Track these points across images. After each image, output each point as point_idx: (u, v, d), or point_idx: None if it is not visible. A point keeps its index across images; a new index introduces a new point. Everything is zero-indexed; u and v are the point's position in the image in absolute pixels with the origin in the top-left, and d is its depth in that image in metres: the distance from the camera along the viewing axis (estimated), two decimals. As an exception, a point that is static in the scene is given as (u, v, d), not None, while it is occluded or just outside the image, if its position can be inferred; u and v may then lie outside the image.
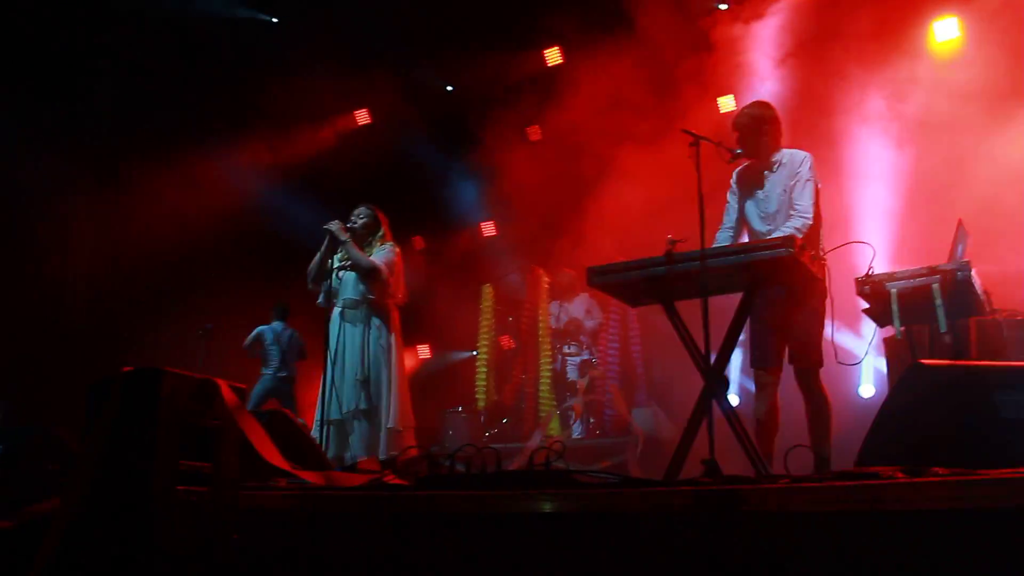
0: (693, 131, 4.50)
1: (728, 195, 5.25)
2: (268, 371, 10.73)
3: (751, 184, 5.12)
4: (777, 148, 5.06)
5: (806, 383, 4.85)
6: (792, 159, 4.98)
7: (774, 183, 4.99)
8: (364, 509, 3.09)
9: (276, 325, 10.95)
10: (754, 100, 5.32)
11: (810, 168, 4.91)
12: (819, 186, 4.97)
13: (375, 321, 6.16)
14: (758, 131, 5.01)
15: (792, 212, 4.85)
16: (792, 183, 4.91)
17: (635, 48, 10.77)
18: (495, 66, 12.51)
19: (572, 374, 9.96)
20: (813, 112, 9.43)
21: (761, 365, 4.92)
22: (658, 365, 10.64)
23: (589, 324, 10.24)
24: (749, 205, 5.11)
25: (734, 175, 5.23)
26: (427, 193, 13.03)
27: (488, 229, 13.03)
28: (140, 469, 2.52)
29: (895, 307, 4.89)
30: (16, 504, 3.31)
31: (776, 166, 5.01)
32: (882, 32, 9.02)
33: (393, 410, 6.02)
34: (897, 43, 9.20)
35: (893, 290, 4.91)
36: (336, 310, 6.19)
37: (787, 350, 4.91)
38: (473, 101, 12.72)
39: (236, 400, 2.95)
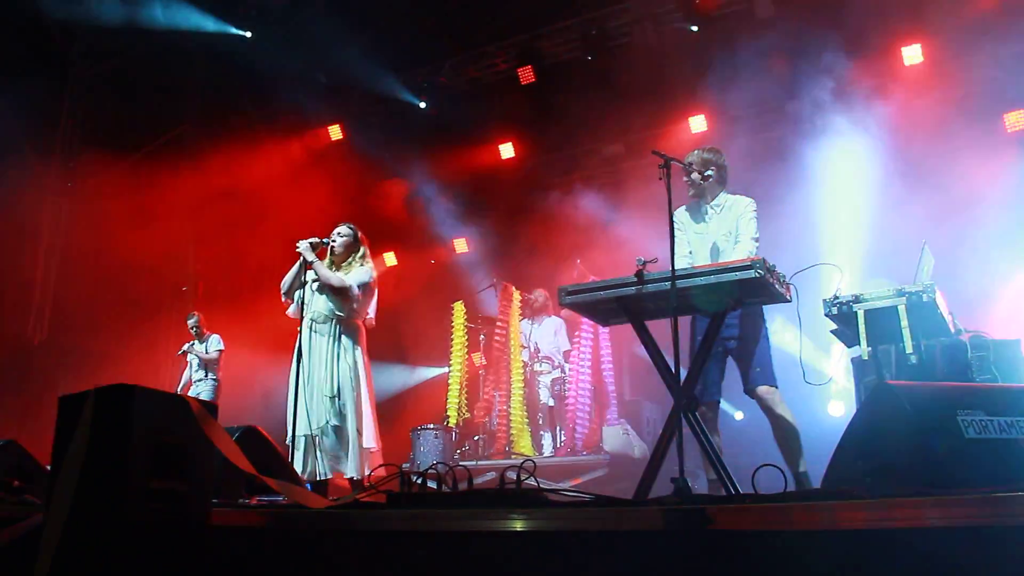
0: (664, 153, 4.56)
1: (676, 232, 5.34)
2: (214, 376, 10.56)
3: (695, 222, 5.31)
4: (722, 191, 5.24)
5: (768, 406, 4.90)
6: (736, 203, 5.19)
7: (718, 225, 5.20)
8: (337, 526, 3.09)
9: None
10: (707, 146, 5.47)
11: (754, 211, 5.12)
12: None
13: (344, 338, 6.17)
14: (701, 174, 5.18)
15: (740, 241, 4.99)
16: (736, 223, 5.07)
17: (609, 67, 10.86)
18: (468, 83, 12.58)
19: (543, 393, 9.99)
20: (784, 133, 9.56)
21: (709, 399, 4.98)
22: (629, 384, 10.70)
23: (555, 347, 10.27)
24: (693, 242, 5.28)
25: (679, 212, 5.35)
26: (400, 208, 13.04)
27: (460, 246, 13.05)
28: (113, 486, 2.52)
29: (862, 328, 4.97)
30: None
31: (720, 209, 5.21)
32: (853, 54, 9.17)
33: (366, 429, 6.04)
34: (868, 66, 9.37)
35: (860, 311, 4.99)
36: (306, 322, 6.19)
37: (741, 375, 4.97)
38: (446, 117, 12.76)
39: (208, 416, 2.95)
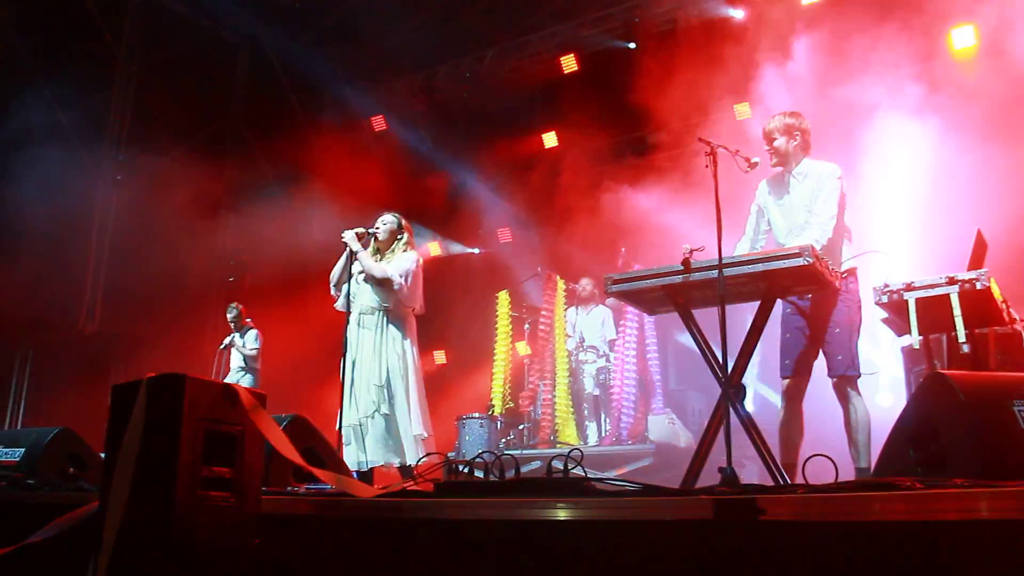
0: (710, 140, 4.51)
1: (752, 205, 5.23)
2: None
3: (778, 194, 5.11)
4: (805, 157, 5.07)
5: (845, 396, 4.85)
6: (821, 170, 4.98)
7: (801, 193, 4.98)
8: (384, 515, 3.11)
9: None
10: (787, 110, 5.27)
11: (838, 179, 4.91)
12: (845, 198, 4.95)
13: (391, 328, 6.21)
14: (787, 138, 5.01)
15: (813, 221, 4.85)
16: (815, 194, 4.91)
17: (652, 55, 10.79)
18: (511, 73, 12.57)
19: (588, 382, 9.97)
20: (834, 120, 9.41)
21: (791, 374, 4.93)
22: (674, 373, 10.65)
23: (600, 336, 10.23)
24: (775, 215, 5.10)
25: (761, 185, 5.22)
26: (443, 199, 13.08)
27: (504, 235, 13.04)
28: (167, 473, 2.55)
29: (913, 316, 4.87)
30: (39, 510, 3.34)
31: (804, 177, 5.01)
32: (903, 40, 9.01)
33: (415, 416, 6.07)
34: (918, 51, 9.20)
35: (911, 299, 4.90)
36: (354, 316, 6.23)
37: (825, 361, 4.91)
38: (489, 107, 12.76)
39: (257, 405, 2.98)
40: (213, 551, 2.67)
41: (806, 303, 4.91)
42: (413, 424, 6.06)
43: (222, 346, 10.63)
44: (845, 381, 4.82)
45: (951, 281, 4.79)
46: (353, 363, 6.07)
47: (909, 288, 4.94)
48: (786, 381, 4.98)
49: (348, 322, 6.20)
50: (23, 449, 5.03)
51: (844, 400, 4.85)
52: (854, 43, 9.18)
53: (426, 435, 6.14)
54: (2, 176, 10.15)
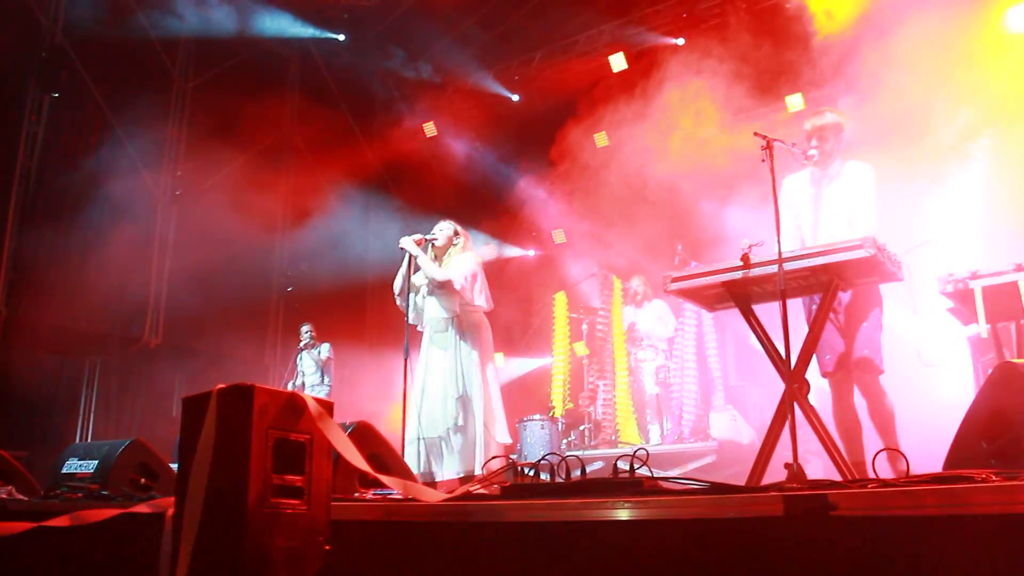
0: (766, 134, 4.47)
1: (781, 205, 5.11)
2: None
3: (814, 190, 5.05)
4: (839, 156, 5.01)
5: (867, 386, 4.78)
6: (856, 170, 4.94)
7: (836, 192, 4.94)
8: (452, 519, 3.13)
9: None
10: (826, 107, 5.21)
11: (874, 180, 4.87)
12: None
13: (465, 340, 6.21)
14: (835, 138, 4.96)
15: (858, 215, 4.80)
16: (856, 194, 4.86)
17: (701, 49, 10.72)
18: (560, 73, 12.57)
19: (648, 380, 9.92)
20: (895, 107, 9.25)
21: (833, 370, 4.86)
22: (735, 368, 10.55)
23: (661, 331, 10.17)
24: (806, 213, 5.03)
25: (786, 182, 5.14)
26: (497, 202, 13.11)
27: (559, 236, 13.03)
28: (238, 483, 2.60)
29: (980, 305, 4.78)
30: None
31: (843, 174, 4.95)
32: (965, 23, 8.83)
33: (500, 425, 6.10)
34: (980, 33, 9.00)
35: (977, 288, 4.81)
36: (426, 332, 6.28)
37: (849, 357, 4.83)
38: (540, 108, 12.77)
39: (324, 413, 3.01)
40: (287, 558, 2.71)
41: (837, 297, 4.80)
42: (499, 432, 6.09)
43: (300, 345, 10.86)
44: (873, 372, 4.74)
45: (1018, 267, 4.69)
46: (428, 375, 6.12)
47: (975, 276, 4.85)
48: (830, 377, 4.90)
49: (419, 335, 6.29)
50: (97, 461, 5.16)
51: (871, 392, 4.78)
52: (909, 29, 9.01)
53: (510, 442, 6.19)
54: (76, 199, 10.45)
